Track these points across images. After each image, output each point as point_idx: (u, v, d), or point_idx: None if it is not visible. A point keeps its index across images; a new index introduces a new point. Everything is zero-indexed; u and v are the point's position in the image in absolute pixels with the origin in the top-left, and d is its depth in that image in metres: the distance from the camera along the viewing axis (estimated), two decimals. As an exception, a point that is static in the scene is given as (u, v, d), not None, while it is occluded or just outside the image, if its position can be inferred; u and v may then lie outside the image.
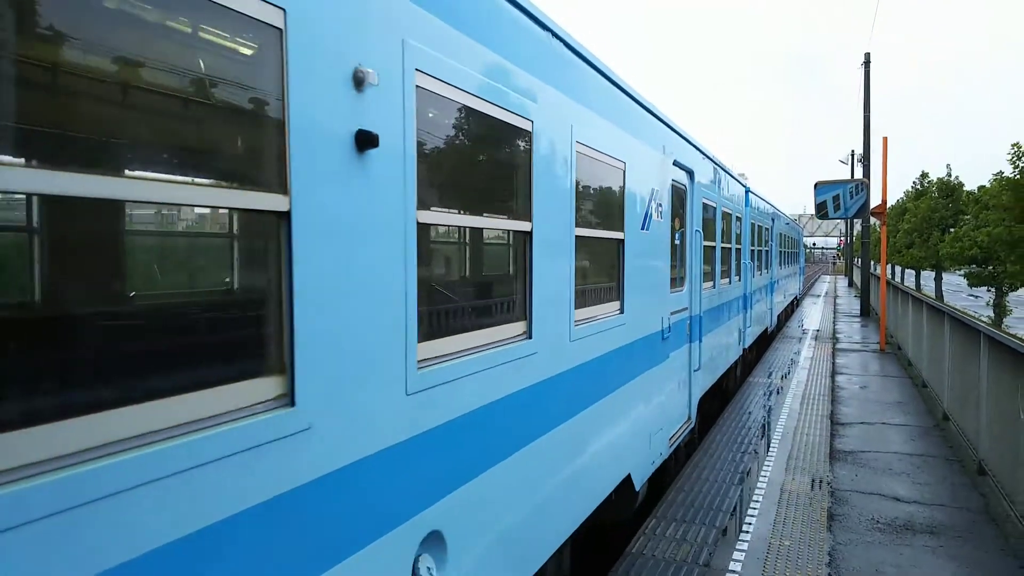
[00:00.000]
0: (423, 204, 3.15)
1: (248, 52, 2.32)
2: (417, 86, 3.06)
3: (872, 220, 23.74)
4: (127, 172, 2.00)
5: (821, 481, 8.06)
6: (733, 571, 5.87)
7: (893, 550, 6.30)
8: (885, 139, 18.57)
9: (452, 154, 3.72)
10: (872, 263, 30.03)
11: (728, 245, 12.42)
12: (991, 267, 39.38)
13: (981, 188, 43.97)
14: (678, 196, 8.37)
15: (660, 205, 7.33)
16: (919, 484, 8.06)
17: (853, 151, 44.96)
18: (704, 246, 9.72)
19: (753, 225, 15.92)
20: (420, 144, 3.11)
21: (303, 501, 2.47)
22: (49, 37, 1.79)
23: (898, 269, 64.64)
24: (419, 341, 3.14)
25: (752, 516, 6.99)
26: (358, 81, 2.68)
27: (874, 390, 13.73)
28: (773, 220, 20.93)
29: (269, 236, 2.40)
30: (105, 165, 1.94)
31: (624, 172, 6.13)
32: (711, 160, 10.47)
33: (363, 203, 2.76)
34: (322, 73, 2.54)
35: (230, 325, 2.45)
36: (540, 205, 4.35)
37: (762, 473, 8.31)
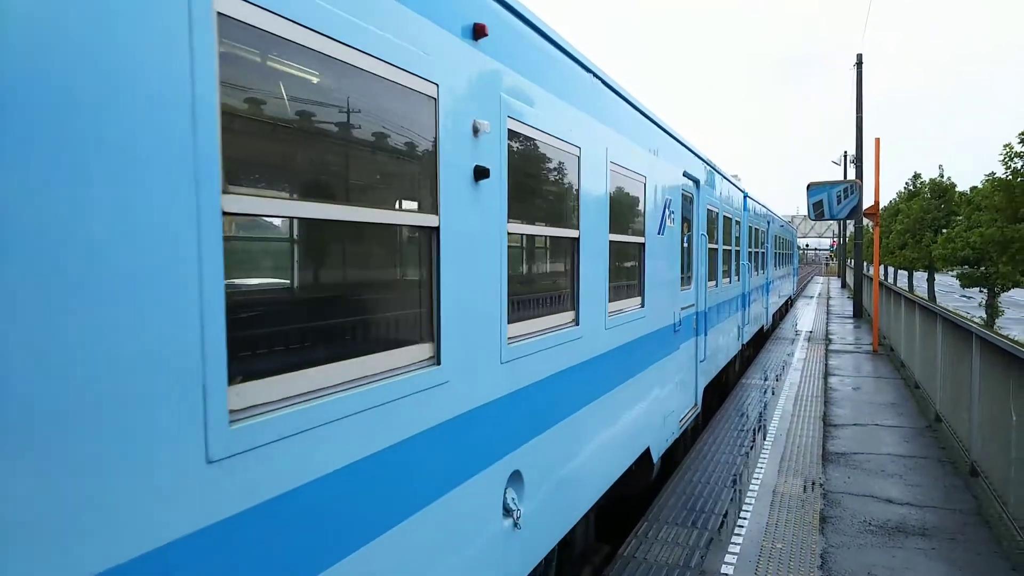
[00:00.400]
0: (510, 218, 4.06)
1: (416, 115, 3.19)
2: (508, 129, 4.00)
3: (865, 221, 23.77)
4: (356, 202, 2.93)
5: (814, 483, 8.04)
6: (725, 574, 5.83)
7: (886, 552, 6.28)
8: (877, 140, 18.59)
9: (526, 177, 4.52)
10: (865, 264, 30.08)
11: (729, 247, 13.15)
12: (983, 268, 39.50)
13: (973, 189, 44.11)
14: (686, 203, 9.14)
15: (672, 212, 8.12)
16: (912, 486, 8.05)
17: (846, 152, 45.02)
18: (708, 248, 10.53)
19: (750, 228, 16.61)
20: (509, 172, 4.02)
21: (444, 433, 3.42)
22: (330, 123, 2.78)
23: (891, 270, 64.80)
24: (508, 323, 4.08)
25: (744, 519, 6.96)
26: (475, 130, 3.60)
27: (867, 391, 13.73)
28: (768, 223, 21.62)
29: (427, 244, 3.31)
30: (344, 199, 2.88)
31: (645, 185, 6.98)
32: (714, 170, 11.28)
33: (478, 220, 3.69)
34: (458, 126, 3.47)
35: (407, 305, 3.33)
36: (584, 215, 5.25)
37: (755, 475, 8.28)
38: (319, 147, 2.73)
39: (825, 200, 20.79)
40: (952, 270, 46.34)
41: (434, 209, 3.30)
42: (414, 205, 3.28)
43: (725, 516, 7.01)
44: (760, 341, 19.72)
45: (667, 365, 7.90)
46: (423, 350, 3.29)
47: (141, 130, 1.91)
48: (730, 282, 13.36)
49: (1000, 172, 26.83)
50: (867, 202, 20.40)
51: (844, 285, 55.46)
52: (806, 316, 29.78)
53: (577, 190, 5.17)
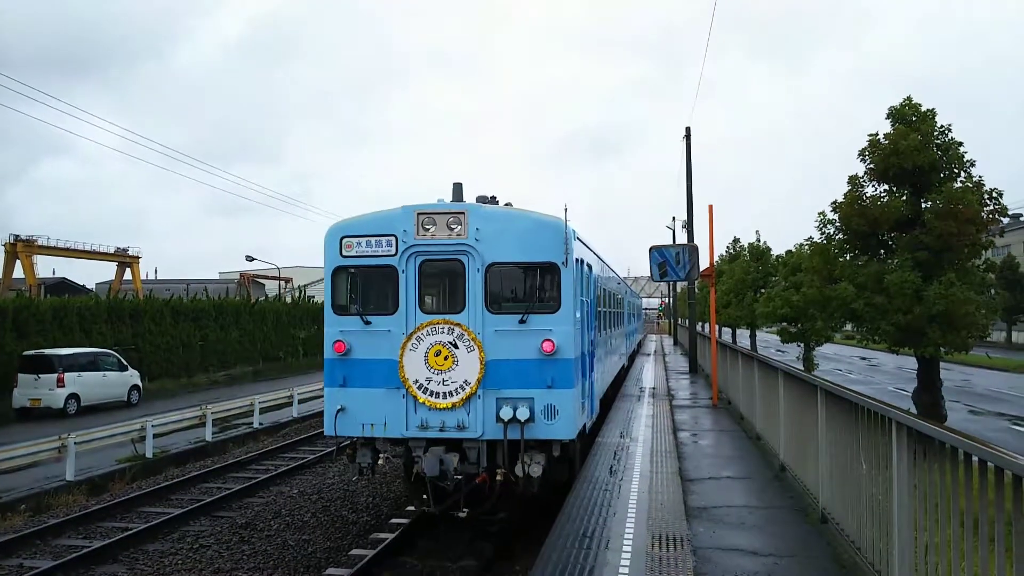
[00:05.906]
0: None
1: None
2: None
3: (699, 281, 25.23)
4: None
5: (682, 540, 8.06)
6: (612, 647, 5.60)
7: (760, 608, 6.32)
8: (711, 207, 19.95)
9: None
10: (699, 322, 31.99)
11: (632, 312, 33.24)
12: (799, 325, 42.98)
13: (788, 252, 48.30)
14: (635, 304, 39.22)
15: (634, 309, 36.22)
16: (772, 536, 8.27)
17: (675, 217, 48.22)
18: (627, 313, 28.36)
19: (631, 303, 33.29)
20: None
21: None
22: None
23: (716, 327, 69.09)
24: None
25: (622, 584, 6.80)
26: None
27: (714, 445, 14.27)
28: (636, 298, 41.83)
29: None
30: None
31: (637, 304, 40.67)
32: (638, 296, 44.67)
33: None
34: None
35: None
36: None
37: (626, 537, 8.20)
38: None
39: (666, 262, 21.82)
40: (771, 326, 50.10)
41: None
42: None
43: (603, 582, 6.83)
44: (609, 403, 20.16)
45: (631, 335, 33.19)
46: None
47: None
48: (631, 324, 32.93)
49: (816, 237, 29.35)
50: (702, 264, 21.66)
51: (676, 342, 58.61)
52: (647, 372, 30.99)
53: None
